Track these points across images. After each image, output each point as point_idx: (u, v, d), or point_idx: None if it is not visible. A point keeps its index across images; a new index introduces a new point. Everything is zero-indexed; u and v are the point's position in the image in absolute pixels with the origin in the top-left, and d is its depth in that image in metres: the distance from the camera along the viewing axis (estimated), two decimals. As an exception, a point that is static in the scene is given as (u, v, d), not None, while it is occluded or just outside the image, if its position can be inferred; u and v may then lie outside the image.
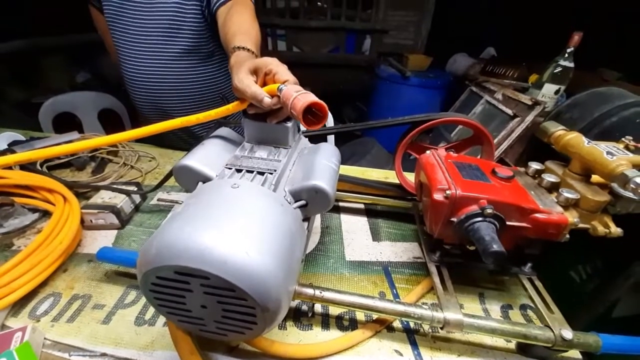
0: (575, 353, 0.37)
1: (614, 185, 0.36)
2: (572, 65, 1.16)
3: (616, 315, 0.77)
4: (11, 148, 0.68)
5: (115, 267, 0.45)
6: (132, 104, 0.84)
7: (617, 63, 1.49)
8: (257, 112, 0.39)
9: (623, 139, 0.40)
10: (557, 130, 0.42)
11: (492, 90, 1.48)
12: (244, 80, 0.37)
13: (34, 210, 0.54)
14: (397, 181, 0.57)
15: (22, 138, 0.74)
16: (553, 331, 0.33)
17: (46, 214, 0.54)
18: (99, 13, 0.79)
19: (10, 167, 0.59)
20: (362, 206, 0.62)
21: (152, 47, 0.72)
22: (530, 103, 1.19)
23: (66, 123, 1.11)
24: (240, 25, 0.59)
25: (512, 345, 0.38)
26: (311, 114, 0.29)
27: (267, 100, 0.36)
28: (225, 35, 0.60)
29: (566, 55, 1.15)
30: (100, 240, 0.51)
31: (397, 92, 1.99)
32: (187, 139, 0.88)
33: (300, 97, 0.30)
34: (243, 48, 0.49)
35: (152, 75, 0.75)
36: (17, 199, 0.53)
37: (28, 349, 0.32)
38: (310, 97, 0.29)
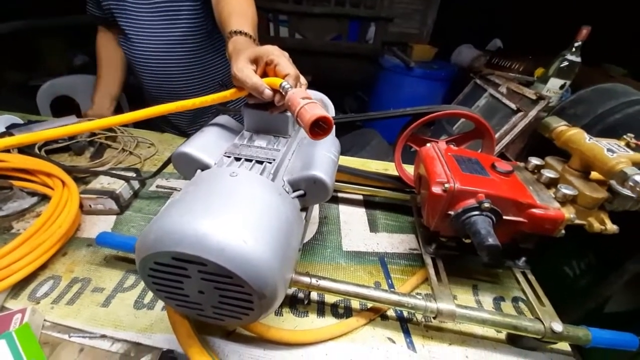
0: (564, 345, 0.38)
1: (613, 182, 0.36)
2: (579, 59, 1.14)
3: (608, 310, 0.78)
4: (9, 131, 0.67)
5: (115, 252, 0.45)
6: (142, 87, 0.84)
7: (623, 59, 1.47)
8: (257, 102, 0.39)
9: (624, 136, 0.40)
10: (559, 125, 0.42)
11: (497, 83, 1.46)
12: (243, 69, 0.36)
13: (32, 194, 0.54)
14: (396, 173, 0.57)
15: (20, 121, 0.74)
16: (543, 323, 0.34)
17: (45, 198, 0.54)
18: (104, 32, 0.81)
19: (8, 151, 0.59)
20: (360, 197, 0.62)
21: (154, 31, 0.72)
22: (534, 97, 1.18)
23: (64, 106, 1.09)
24: (235, 5, 0.57)
25: (502, 335, 0.39)
26: (317, 126, 0.29)
27: (268, 92, 0.35)
28: (220, 15, 0.58)
29: (573, 49, 1.13)
30: (99, 225, 0.51)
31: (400, 82, 1.97)
32: (185, 130, 0.89)
33: (307, 107, 0.29)
34: (241, 32, 0.48)
35: (158, 59, 0.75)
36: (15, 183, 0.53)
37: (27, 331, 0.32)
38: (318, 111, 0.29)
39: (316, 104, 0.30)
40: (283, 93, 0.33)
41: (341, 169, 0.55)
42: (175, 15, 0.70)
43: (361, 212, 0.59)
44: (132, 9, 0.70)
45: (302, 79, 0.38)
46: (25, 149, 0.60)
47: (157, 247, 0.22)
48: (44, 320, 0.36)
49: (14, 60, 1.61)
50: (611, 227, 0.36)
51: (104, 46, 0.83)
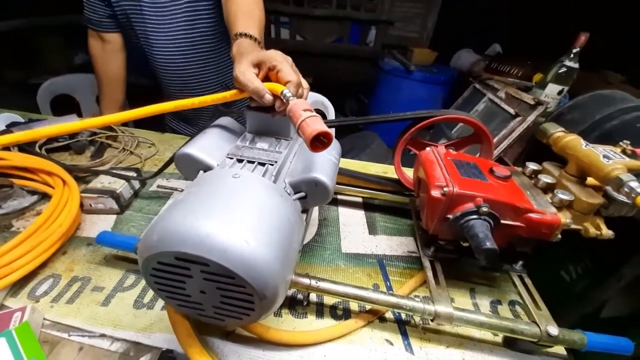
0: (560, 349, 0.38)
1: (608, 188, 0.37)
2: (577, 66, 1.15)
3: (604, 315, 0.79)
4: (9, 129, 0.67)
5: (114, 251, 0.45)
6: (160, 84, 0.85)
7: (621, 66, 1.49)
8: (259, 105, 0.39)
9: (621, 143, 0.40)
10: (556, 131, 0.42)
11: (496, 88, 1.47)
12: (246, 73, 0.37)
13: (33, 192, 0.54)
14: (395, 176, 0.57)
15: (21, 119, 0.74)
16: (539, 327, 0.34)
17: (45, 197, 0.54)
18: (96, 40, 0.81)
19: (8, 149, 0.59)
20: (360, 200, 0.63)
21: (173, 33, 0.73)
22: (532, 103, 1.19)
23: (64, 105, 1.10)
24: (242, 6, 0.57)
25: (499, 339, 0.39)
26: (318, 140, 0.30)
27: (269, 97, 0.35)
28: (227, 16, 0.59)
29: (572, 55, 1.14)
30: (99, 224, 0.51)
31: (400, 86, 1.98)
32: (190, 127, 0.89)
33: (309, 121, 0.30)
34: (246, 35, 0.48)
35: (177, 59, 0.76)
36: (16, 181, 0.53)
37: (27, 329, 0.32)
38: (319, 125, 0.29)
39: (317, 118, 0.30)
40: (284, 101, 0.34)
41: (341, 172, 0.56)
42: (194, 16, 0.71)
43: (360, 214, 0.59)
44: (150, 11, 0.70)
45: (304, 84, 0.38)
46: (26, 148, 0.60)
47: (161, 247, 0.23)
48: (44, 318, 0.37)
49: (14, 58, 1.61)
50: (607, 232, 0.37)
51: (100, 59, 0.83)
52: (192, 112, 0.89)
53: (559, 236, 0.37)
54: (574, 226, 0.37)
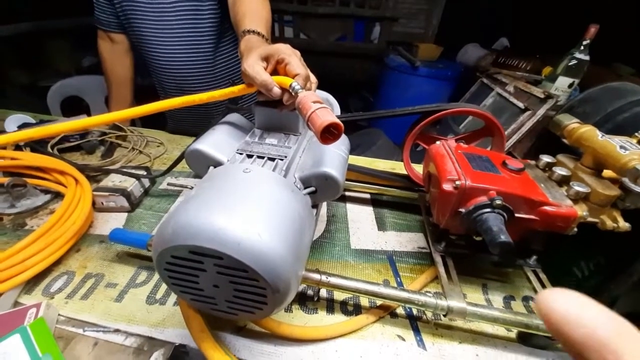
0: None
1: (625, 179, 0.36)
2: (587, 58, 1.13)
3: (617, 311, 0.77)
4: (21, 130, 0.69)
5: (127, 249, 0.46)
6: (161, 88, 0.85)
7: (631, 59, 1.45)
8: (266, 99, 0.39)
9: (636, 133, 0.39)
10: (570, 123, 0.41)
11: (504, 82, 1.45)
12: (254, 66, 0.37)
13: (46, 191, 0.55)
14: (404, 172, 0.57)
15: (32, 121, 0.75)
16: (555, 322, 0.33)
17: (58, 196, 0.55)
18: (105, 41, 0.81)
19: (21, 149, 0.60)
20: (368, 196, 0.62)
21: (177, 33, 0.73)
22: (542, 96, 1.17)
23: (74, 107, 1.11)
24: (250, 6, 0.58)
25: (512, 334, 0.38)
26: (328, 131, 0.29)
27: (277, 90, 0.35)
28: (235, 16, 0.60)
29: (582, 47, 1.12)
30: (111, 222, 0.52)
31: (406, 82, 1.96)
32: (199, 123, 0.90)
33: (319, 113, 0.29)
34: (253, 32, 0.48)
35: (181, 61, 0.77)
36: (29, 180, 0.54)
37: (42, 325, 0.33)
38: (329, 117, 0.29)
39: (327, 109, 0.30)
40: (293, 94, 0.34)
41: (350, 168, 0.55)
42: (198, 16, 0.71)
43: (369, 210, 0.59)
44: (151, 10, 0.70)
45: (313, 78, 0.38)
46: (38, 148, 0.61)
47: (175, 241, 0.23)
48: (59, 314, 0.37)
49: (23, 61, 1.64)
50: (623, 224, 0.36)
51: (108, 60, 0.84)
52: (187, 114, 0.89)
53: (575, 229, 0.36)
54: (590, 219, 0.36)
